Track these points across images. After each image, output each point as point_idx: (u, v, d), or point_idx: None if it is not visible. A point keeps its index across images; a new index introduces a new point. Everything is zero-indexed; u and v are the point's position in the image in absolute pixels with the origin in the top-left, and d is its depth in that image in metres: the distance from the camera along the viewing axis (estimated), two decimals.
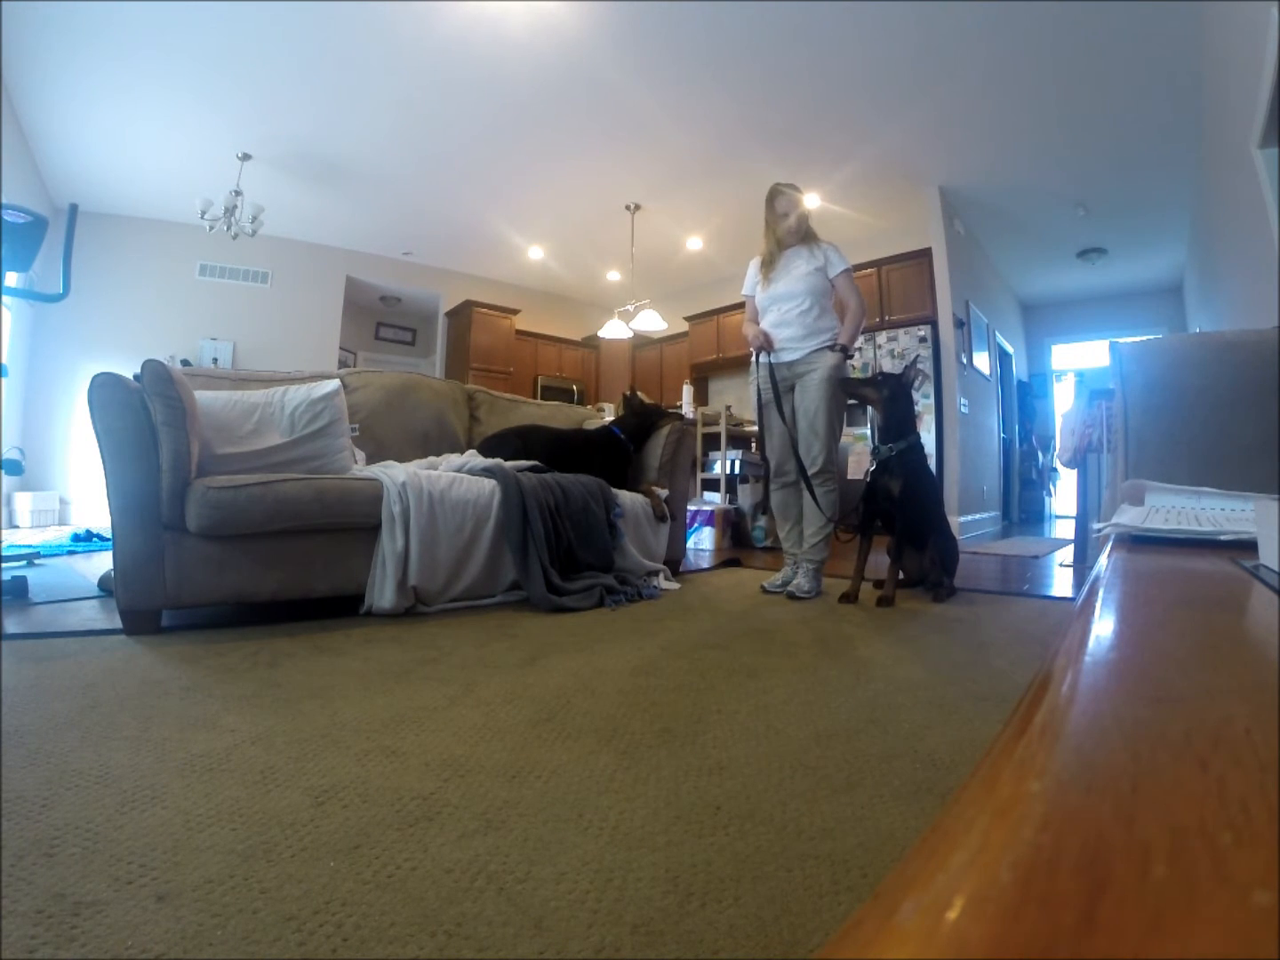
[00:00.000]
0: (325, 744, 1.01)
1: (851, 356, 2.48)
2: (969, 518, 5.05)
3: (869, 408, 5.41)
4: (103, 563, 2.58)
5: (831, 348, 2.40)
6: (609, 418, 3.40)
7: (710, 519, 4.07)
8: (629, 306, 6.01)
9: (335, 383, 2.14)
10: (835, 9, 3.24)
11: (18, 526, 4.76)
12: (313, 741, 1.02)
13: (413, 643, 1.66)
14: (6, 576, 2.07)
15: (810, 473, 2.41)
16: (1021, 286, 7.17)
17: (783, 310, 2.47)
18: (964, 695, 1.26)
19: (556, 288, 7.94)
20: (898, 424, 2.35)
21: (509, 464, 2.40)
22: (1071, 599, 2.40)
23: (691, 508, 3.97)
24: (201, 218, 4.84)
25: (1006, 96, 3.88)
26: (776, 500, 2.57)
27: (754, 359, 2.56)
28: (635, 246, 5.91)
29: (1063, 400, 7.24)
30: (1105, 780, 0.16)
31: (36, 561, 2.94)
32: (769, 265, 2.52)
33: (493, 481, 2.23)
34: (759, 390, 2.56)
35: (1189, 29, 3.13)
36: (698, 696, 1.26)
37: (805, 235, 2.50)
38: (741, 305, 7.23)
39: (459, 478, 2.19)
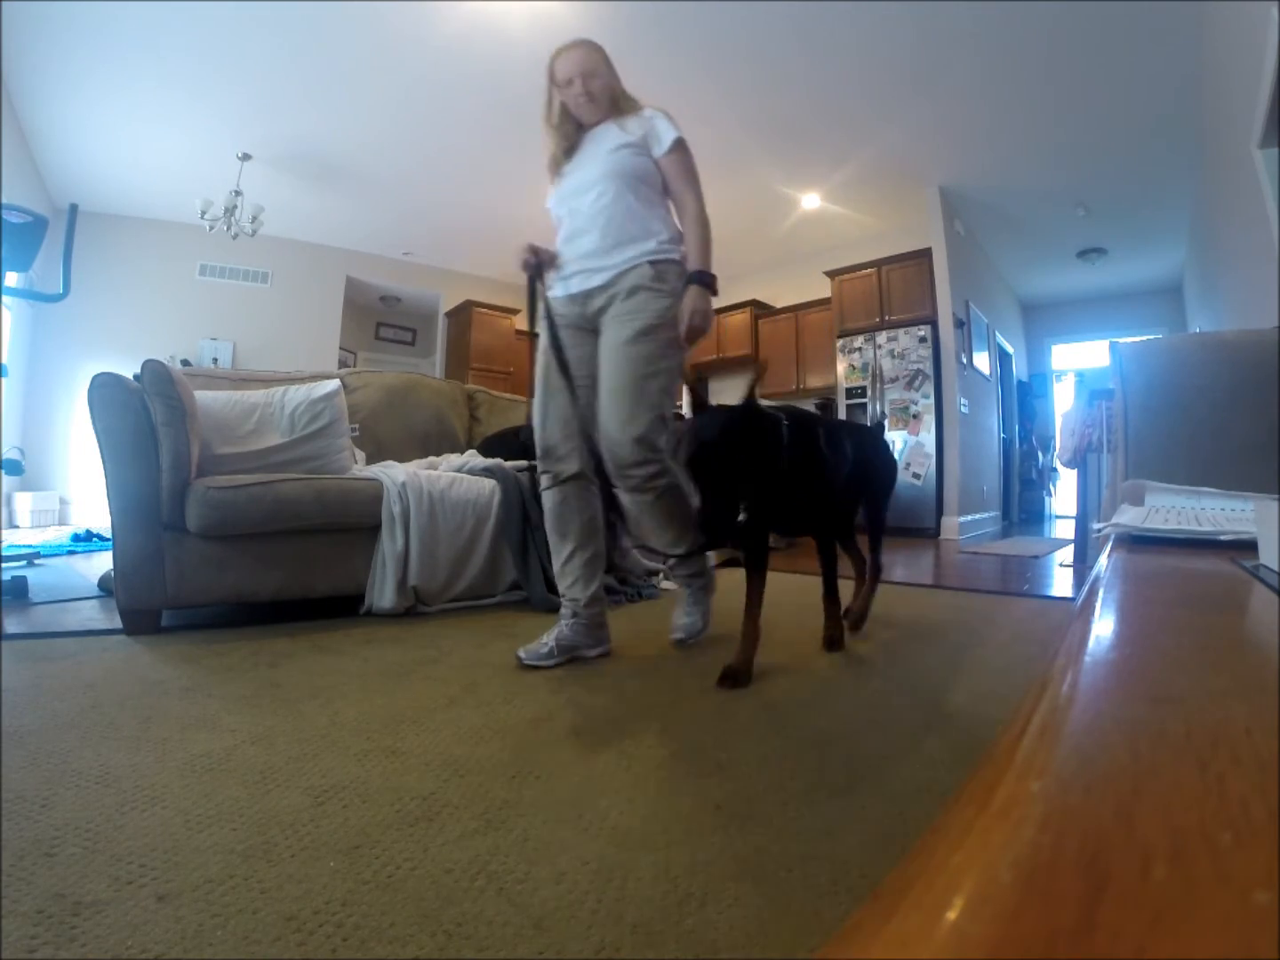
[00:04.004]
0: (325, 744, 1.01)
1: (713, 288, 1.52)
2: (969, 518, 5.05)
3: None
4: (103, 563, 2.58)
5: (656, 262, 1.50)
6: None
7: None
8: None
9: (335, 383, 2.14)
10: (835, 9, 3.24)
11: (18, 526, 4.76)
12: (312, 742, 1.02)
13: (413, 643, 1.66)
14: (6, 576, 2.07)
15: (625, 465, 1.47)
16: (1021, 286, 7.17)
17: (575, 210, 1.55)
18: (964, 695, 1.26)
19: None
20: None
21: (509, 464, 2.40)
22: (1071, 599, 2.40)
23: None
24: (201, 218, 4.84)
25: (1006, 96, 3.88)
26: (549, 505, 1.56)
27: (528, 289, 1.61)
28: None
29: (1063, 400, 7.24)
30: (1105, 780, 0.16)
31: (36, 561, 2.94)
32: (559, 160, 1.63)
33: (493, 481, 2.23)
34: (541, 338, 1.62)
35: (1189, 29, 3.13)
36: (697, 696, 1.26)
37: (614, 105, 1.59)
38: (741, 305, 7.18)
39: (459, 478, 2.19)
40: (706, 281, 1.50)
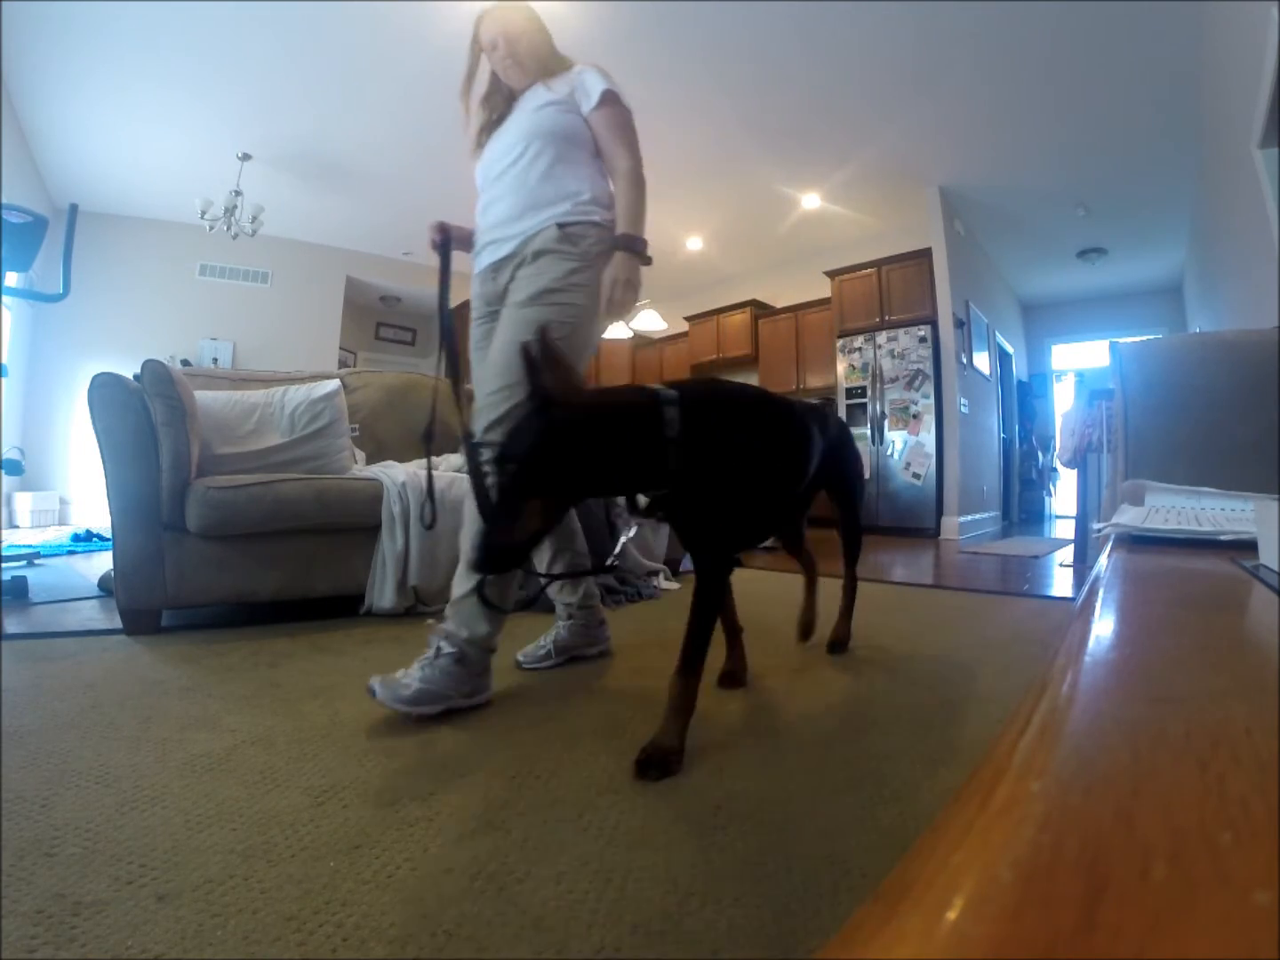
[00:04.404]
0: (325, 744, 1.01)
1: (645, 258, 1.29)
2: (969, 518, 5.05)
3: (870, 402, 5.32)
4: (103, 563, 2.57)
5: (568, 224, 1.29)
6: None
7: None
8: None
9: (335, 383, 2.14)
10: (835, 9, 3.24)
11: (18, 526, 4.76)
12: (313, 742, 1.02)
13: (413, 643, 1.66)
14: (6, 576, 2.07)
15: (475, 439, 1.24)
16: (1021, 286, 7.17)
17: (492, 179, 1.39)
18: (964, 695, 1.26)
19: None
20: None
21: None
22: (1071, 599, 2.40)
23: None
24: (201, 218, 4.84)
25: (1007, 97, 3.88)
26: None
27: (439, 273, 1.43)
28: None
29: (1063, 400, 7.24)
30: (1105, 780, 0.16)
31: (36, 561, 2.94)
32: (488, 130, 1.47)
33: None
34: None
35: (1189, 29, 3.13)
36: (697, 696, 1.26)
37: (543, 68, 1.43)
38: (742, 305, 7.16)
39: (459, 477, 2.19)
40: (635, 247, 1.27)
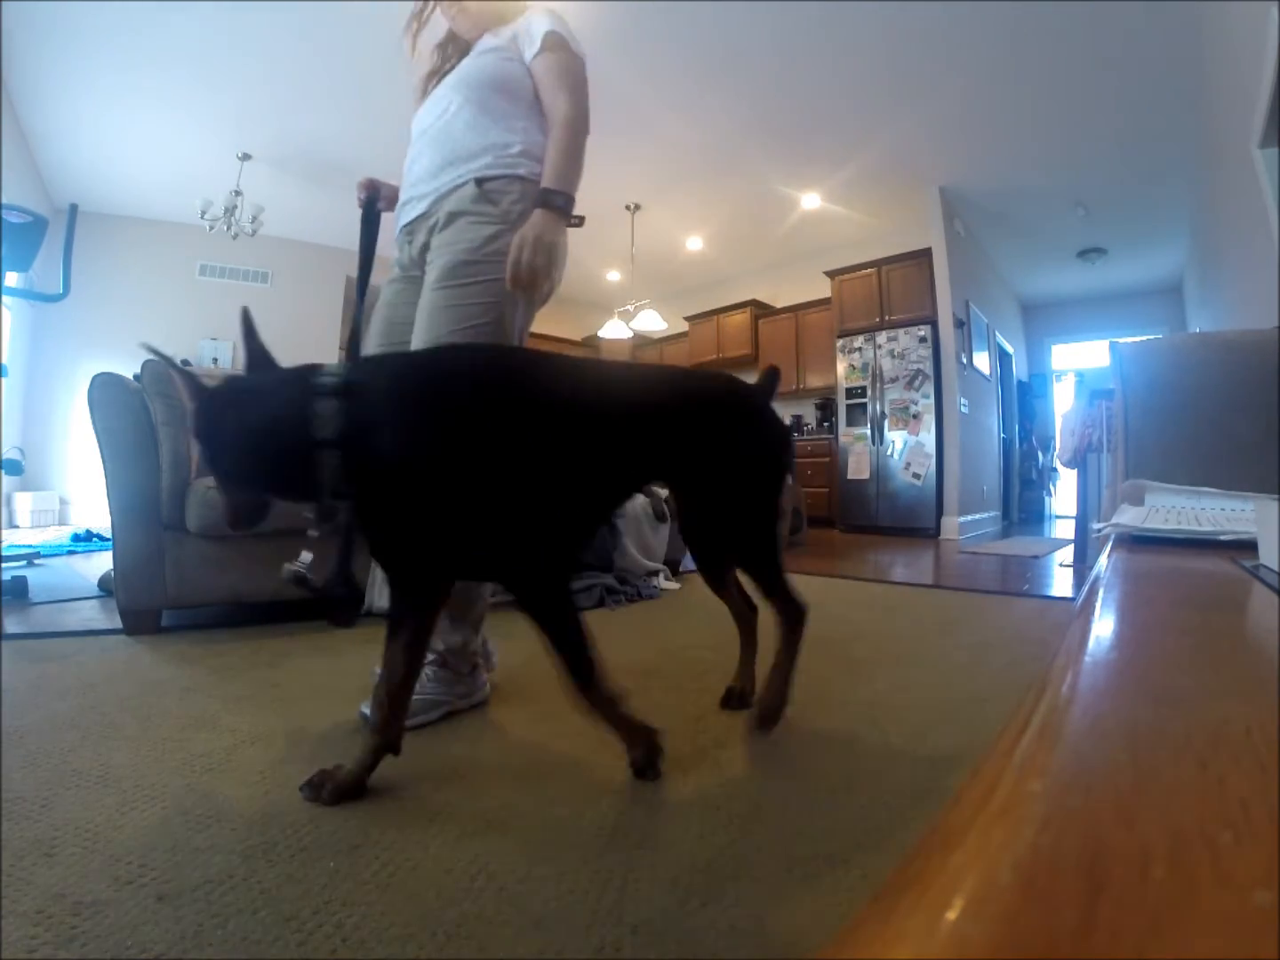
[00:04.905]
0: (325, 744, 1.01)
1: (570, 216, 1.11)
2: (969, 518, 5.05)
3: (871, 401, 5.32)
4: (103, 563, 2.57)
5: (487, 179, 1.14)
6: None
7: None
8: (629, 306, 6.01)
9: None
10: (836, 9, 3.24)
11: (18, 526, 4.75)
12: (312, 742, 1.02)
13: None
14: (6, 576, 2.07)
15: None
16: (1021, 286, 7.16)
17: (420, 132, 1.28)
18: (964, 695, 1.26)
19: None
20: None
21: None
22: (1071, 599, 2.40)
23: None
24: (201, 218, 4.84)
25: (1007, 97, 3.88)
26: None
27: (361, 234, 1.31)
28: (635, 246, 5.91)
29: (1063, 400, 7.23)
30: (1105, 780, 0.16)
31: (36, 561, 2.94)
32: (436, 78, 1.34)
33: None
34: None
35: (1189, 29, 3.13)
36: (696, 697, 1.26)
37: (496, 15, 1.29)
38: (743, 305, 7.16)
39: None
40: (554, 202, 1.07)
